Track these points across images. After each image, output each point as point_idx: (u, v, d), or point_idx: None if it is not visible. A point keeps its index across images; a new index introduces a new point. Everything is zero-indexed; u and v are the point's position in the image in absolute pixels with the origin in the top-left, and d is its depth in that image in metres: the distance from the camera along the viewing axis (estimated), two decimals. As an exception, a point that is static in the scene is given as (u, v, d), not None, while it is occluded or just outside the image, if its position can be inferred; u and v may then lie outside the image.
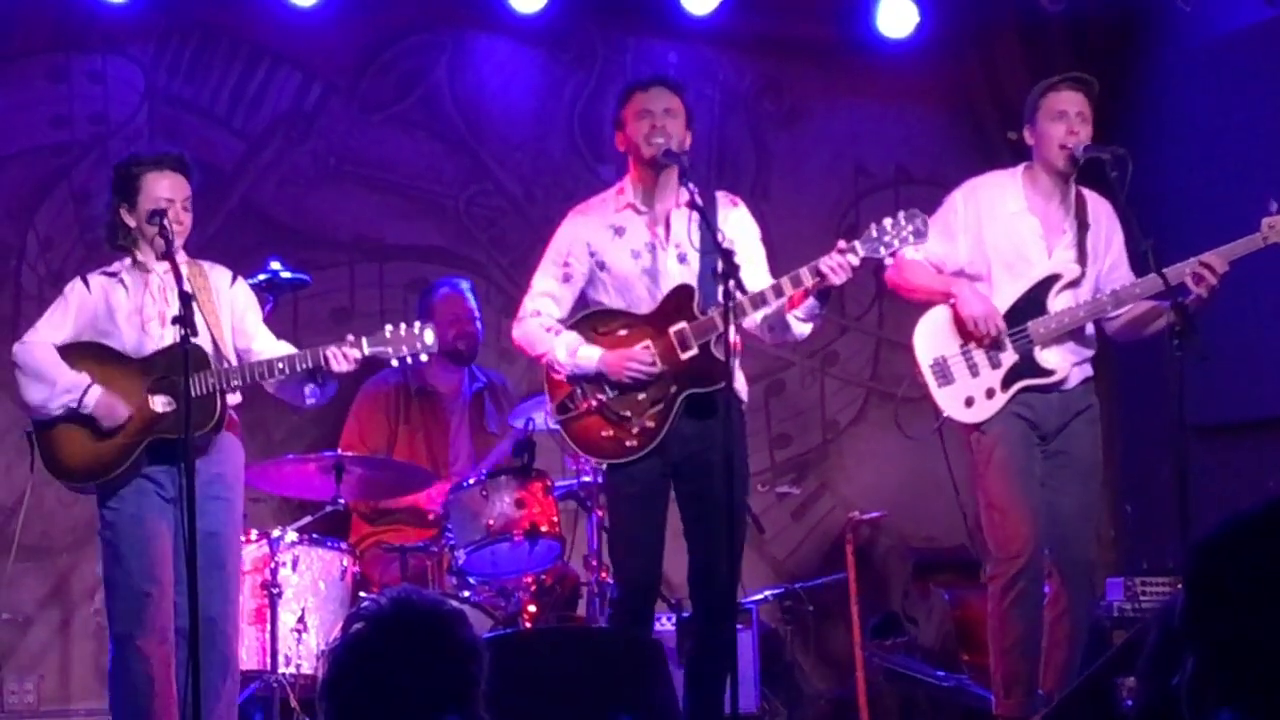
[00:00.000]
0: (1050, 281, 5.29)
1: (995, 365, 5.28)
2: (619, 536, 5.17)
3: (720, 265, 4.67)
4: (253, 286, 5.69)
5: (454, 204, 7.07)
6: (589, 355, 5.05)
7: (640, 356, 5.01)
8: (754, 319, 5.04)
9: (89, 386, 4.90)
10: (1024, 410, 5.27)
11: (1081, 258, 5.31)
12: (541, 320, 5.14)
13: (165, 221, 4.82)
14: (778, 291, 4.92)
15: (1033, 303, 5.29)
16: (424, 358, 5.08)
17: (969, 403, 5.29)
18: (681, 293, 5.05)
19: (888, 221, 4.91)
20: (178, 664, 4.85)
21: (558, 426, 5.13)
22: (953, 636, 6.40)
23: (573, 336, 5.10)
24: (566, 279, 5.17)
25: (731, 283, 4.64)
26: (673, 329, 5.02)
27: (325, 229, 6.93)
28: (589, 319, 5.16)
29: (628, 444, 5.03)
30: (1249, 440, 6.50)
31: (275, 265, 5.95)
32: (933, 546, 6.94)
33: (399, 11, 7.04)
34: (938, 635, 6.50)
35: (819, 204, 7.30)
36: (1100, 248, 5.33)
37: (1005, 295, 5.30)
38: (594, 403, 5.05)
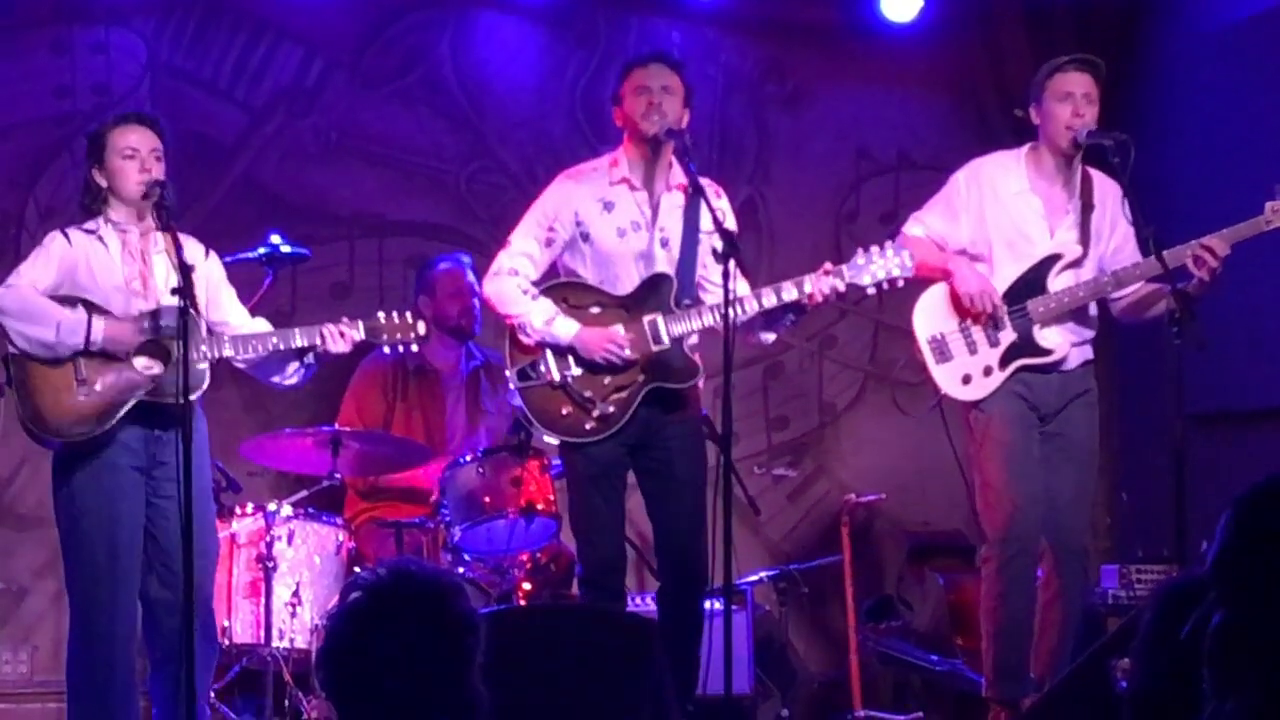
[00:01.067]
0: (1051, 261, 5.28)
1: (993, 343, 5.28)
2: (581, 516, 5.12)
3: (722, 245, 4.66)
4: (252, 260, 5.70)
5: (455, 181, 7.05)
6: (566, 328, 5.00)
7: (618, 339, 4.96)
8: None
9: (91, 318, 4.75)
10: (1022, 390, 5.26)
11: (1084, 238, 5.30)
12: (519, 281, 5.06)
13: (165, 192, 4.77)
14: (758, 301, 4.93)
15: (1033, 282, 5.28)
16: (414, 348, 5.08)
17: (966, 380, 5.29)
18: (659, 281, 5.02)
19: (874, 250, 4.95)
20: (165, 636, 4.82)
21: (515, 393, 5.08)
22: (947, 621, 6.39)
23: (548, 304, 5.04)
24: (548, 243, 5.10)
25: (733, 263, 4.62)
26: (646, 318, 5.00)
27: (326, 204, 6.91)
28: (560, 289, 5.10)
29: (587, 425, 5.00)
30: (1247, 430, 6.49)
31: (275, 239, 5.93)
32: (928, 530, 6.93)
33: (402, -12, 7.04)
34: (932, 619, 6.50)
35: (820, 187, 7.28)
36: (1104, 229, 5.32)
37: (1006, 275, 5.29)
38: (557, 377, 5.01)
